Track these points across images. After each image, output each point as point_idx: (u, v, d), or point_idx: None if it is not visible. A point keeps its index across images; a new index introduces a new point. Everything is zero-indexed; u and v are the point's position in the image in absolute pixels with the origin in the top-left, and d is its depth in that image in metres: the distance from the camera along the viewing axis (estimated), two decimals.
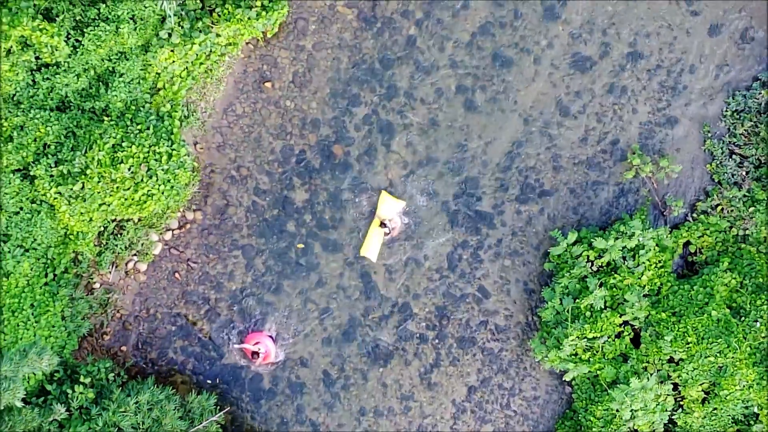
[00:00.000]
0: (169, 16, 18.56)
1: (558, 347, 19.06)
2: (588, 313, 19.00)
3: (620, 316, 19.09)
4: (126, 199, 18.42)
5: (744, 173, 19.98)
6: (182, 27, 18.84)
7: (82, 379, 18.04)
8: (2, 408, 16.28)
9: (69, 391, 17.87)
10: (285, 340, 20.32)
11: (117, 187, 18.20)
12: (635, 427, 19.03)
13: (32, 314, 18.02)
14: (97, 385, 18.34)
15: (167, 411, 18.25)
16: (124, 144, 18.19)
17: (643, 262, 19.15)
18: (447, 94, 20.18)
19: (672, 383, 19.12)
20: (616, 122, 20.21)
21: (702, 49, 20.25)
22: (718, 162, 20.10)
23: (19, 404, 16.22)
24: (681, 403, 19.26)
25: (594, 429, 19.17)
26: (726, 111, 20.23)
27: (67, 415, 17.46)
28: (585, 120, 20.17)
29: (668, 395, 19.03)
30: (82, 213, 18.27)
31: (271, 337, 20.14)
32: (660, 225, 20.00)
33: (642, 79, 20.18)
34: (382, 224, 20.15)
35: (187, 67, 19.37)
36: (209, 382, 20.22)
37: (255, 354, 19.91)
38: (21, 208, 18.09)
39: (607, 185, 20.19)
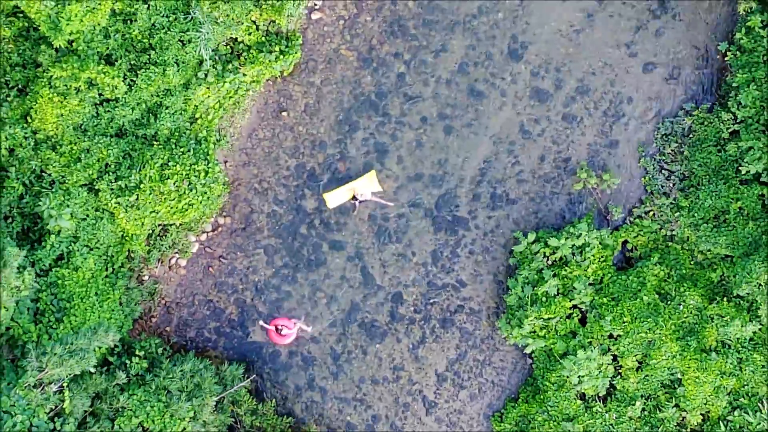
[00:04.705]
0: (206, 60, 20.71)
1: (520, 326, 20.79)
2: (544, 299, 20.77)
3: (570, 301, 20.89)
4: (172, 208, 20.47)
5: (671, 185, 21.69)
6: (216, 69, 20.98)
7: (137, 353, 20.16)
8: (78, 373, 18.33)
9: (127, 361, 19.93)
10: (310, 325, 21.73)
11: (164, 198, 20.25)
12: (582, 390, 20.72)
13: (96, 301, 19.86)
14: (149, 357, 20.42)
15: (206, 378, 20.32)
16: (170, 163, 20.30)
17: (589, 257, 20.93)
18: (430, 121, 22.16)
19: (612, 355, 20.81)
20: (568, 143, 22.08)
21: (638, 84, 22.12)
22: (650, 176, 21.81)
23: (93, 370, 18.46)
24: (619, 370, 20.89)
25: (549, 392, 20.77)
26: (657, 134, 21.95)
27: (127, 381, 19.63)
28: (543, 142, 22.14)
29: (609, 364, 20.73)
30: (136, 219, 20.28)
31: (295, 322, 21.37)
32: (603, 227, 21.68)
33: (589, 108, 22.10)
34: (354, 197, 21.51)
35: (219, 101, 21.33)
36: (237, 356, 21.87)
37: (278, 331, 21.19)
38: (87, 215, 20.05)
39: (561, 195, 22.02)
